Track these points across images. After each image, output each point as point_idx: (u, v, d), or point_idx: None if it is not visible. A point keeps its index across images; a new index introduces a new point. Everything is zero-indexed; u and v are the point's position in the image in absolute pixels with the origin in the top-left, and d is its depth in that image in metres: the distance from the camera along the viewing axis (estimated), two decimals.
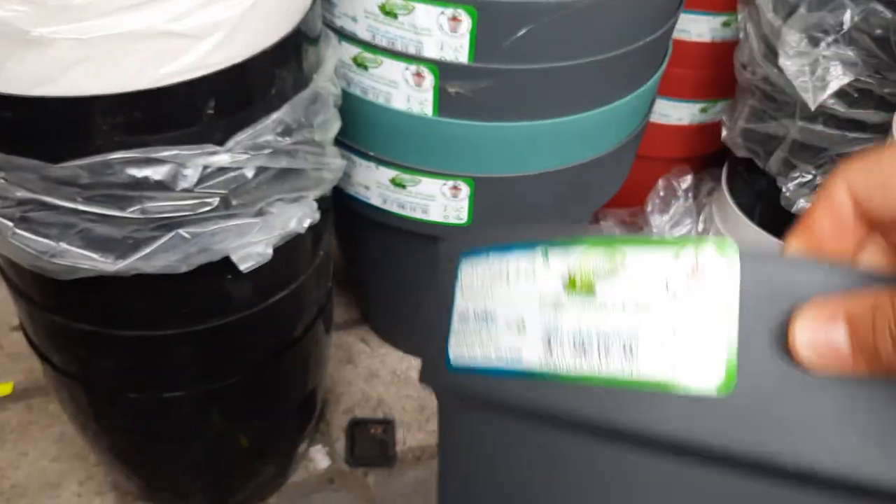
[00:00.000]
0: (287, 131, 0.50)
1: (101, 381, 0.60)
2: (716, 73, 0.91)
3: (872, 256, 0.24)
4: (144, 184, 0.46)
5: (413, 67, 0.60)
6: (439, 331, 0.30)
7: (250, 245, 0.51)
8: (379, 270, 0.83)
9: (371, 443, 0.83)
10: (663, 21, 0.66)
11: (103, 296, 0.53)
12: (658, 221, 0.97)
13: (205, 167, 0.47)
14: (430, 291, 0.32)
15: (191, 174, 0.47)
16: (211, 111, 0.47)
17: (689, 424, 0.22)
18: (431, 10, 0.57)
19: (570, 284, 0.24)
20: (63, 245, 0.48)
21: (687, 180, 0.97)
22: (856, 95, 0.71)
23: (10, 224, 0.47)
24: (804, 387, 0.21)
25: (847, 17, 0.67)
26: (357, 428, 0.84)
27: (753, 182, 0.86)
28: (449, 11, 0.57)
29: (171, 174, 0.46)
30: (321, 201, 0.58)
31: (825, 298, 0.21)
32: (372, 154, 0.68)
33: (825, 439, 0.21)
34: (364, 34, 0.61)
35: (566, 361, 0.24)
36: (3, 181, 0.46)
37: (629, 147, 0.75)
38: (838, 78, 0.68)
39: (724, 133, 0.87)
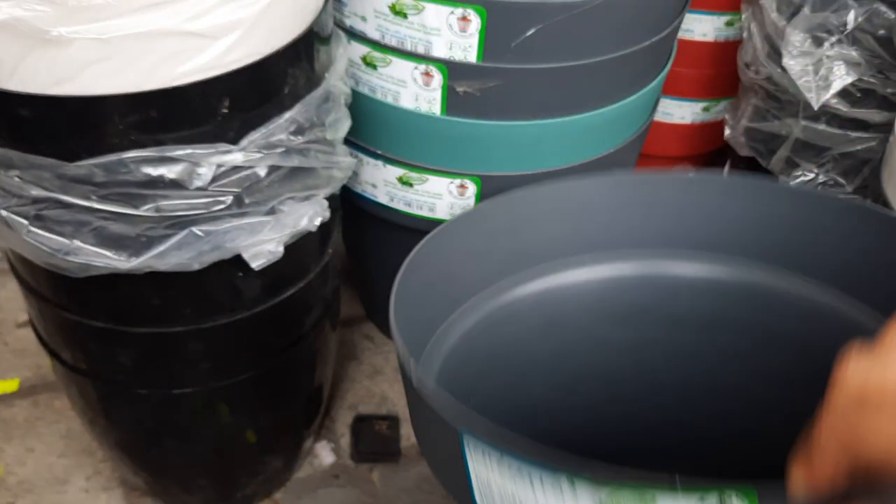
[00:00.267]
0: (299, 130, 0.50)
1: (111, 377, 0.60)
2: (719, 72, 0.91)
3: None
4: (159, 182, 0.46)
5: (422, 67, 0.61)
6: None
7: (262, 243, 0.52)
8: (384, 268, 0.83)
9: (376, 439, 0.83)
10: (669, 21, 0.67)
11: (116, 293, 0.54)
12: None
13: (218, 166, 0.47)
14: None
15: (205, 173, 0.47)
16: (225, 110, 0.47)
17: None
18: (441, 10, 0.57)
19: None
20: (77, 243, 0.48)
21: None
22: (859, 95, 0.72)
23: (25, 222, 0.47)
24: None
25: (850, 18, 0.67)
26: (362, 424, 0.84)
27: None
28: (458, 11, 0.57)
29: (185, 173, 0.47)
30: (330, 199, 0.58)
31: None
32: (380, 152, 0.68)
33: None
34: (373, 34, 0.61)
35: None
36: (18, 179, 0.46)
37: (634, 146, 0.76)
38: (841, 78, 0.69)
39: (727, 132, 0.87)
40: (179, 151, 0.46)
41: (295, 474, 0.80)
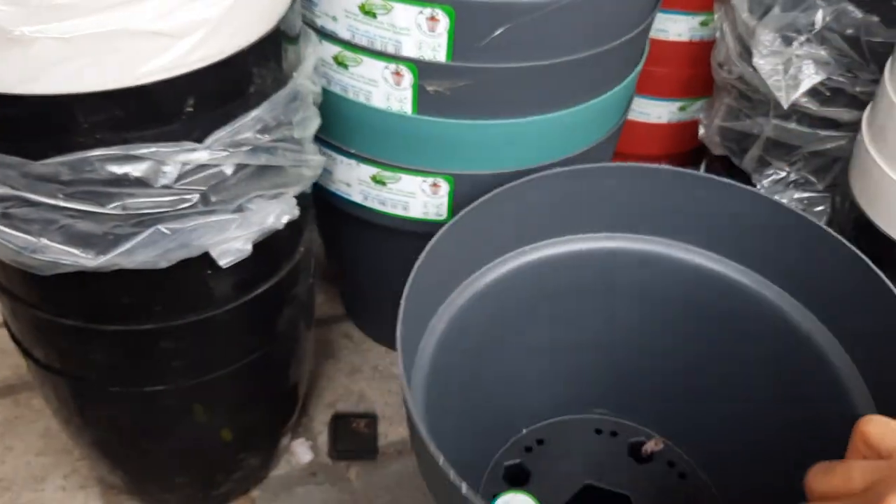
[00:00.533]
0: (266, 129, 0.51)
1: (83, 376, 0.61)
2: (694, 72, 0.92)
3: None
4: (124, 180, 0.47)
5: (392, 66, 0.61)
6: None
7: (229, 241, 0.52)
8: (361, 266, 0.84)
9: (354, 437, 0.83)
10: (640, 20, 0.68)
11: (85, 291, 0.54)
12: None
13: (184, 164, 0.48)
14: None
15: (170, 171, 0.47)
16: (191, 109, 0.47)
17: None
18: (409, 10, 0.58)
19: None
20: (44, 241, 0.48)
21: None
22: (828, 94, 0.73)
23: None
24: None
25: (819, 17, 0.68)
26: (340, 422, 0.84)
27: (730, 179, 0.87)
28: (427, 11, 0.58)
29: (150, 171, 0.47)
30: (301, 198, 0.59)
31: None
32: (353, 151, 0.69)
33: None
34: (344, 33, 0.61)
35: None
36: None
37: (607, 145, 0.76)
38: (811, 77, 0.70)
39: (701, 131, 0.88)
40: (144, 150, 0.46)
41: (272, 472, 0.80)
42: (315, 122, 0.57)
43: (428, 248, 0.56)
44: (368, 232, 0.76)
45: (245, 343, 0.63)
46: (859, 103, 0.72)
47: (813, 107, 0.73)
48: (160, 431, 0.66)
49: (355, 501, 0.79)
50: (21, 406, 0.84)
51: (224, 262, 0.53)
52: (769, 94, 0.74)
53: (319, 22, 0.62)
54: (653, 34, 0.92)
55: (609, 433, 0.76)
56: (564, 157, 0.71)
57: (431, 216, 0.71)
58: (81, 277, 0.51)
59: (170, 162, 0.47)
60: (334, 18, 0.61)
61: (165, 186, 0.48)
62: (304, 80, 0.54)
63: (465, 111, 0.64)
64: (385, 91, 0.63)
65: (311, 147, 0.57)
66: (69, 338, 0.58)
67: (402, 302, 0.52)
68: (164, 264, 0.51)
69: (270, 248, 0.57)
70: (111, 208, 0.48)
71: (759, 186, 0.81)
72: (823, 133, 0.76)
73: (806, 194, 0.79)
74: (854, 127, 0.74)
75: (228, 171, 0.50)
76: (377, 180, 0.69)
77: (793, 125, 0.76)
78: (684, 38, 0.90)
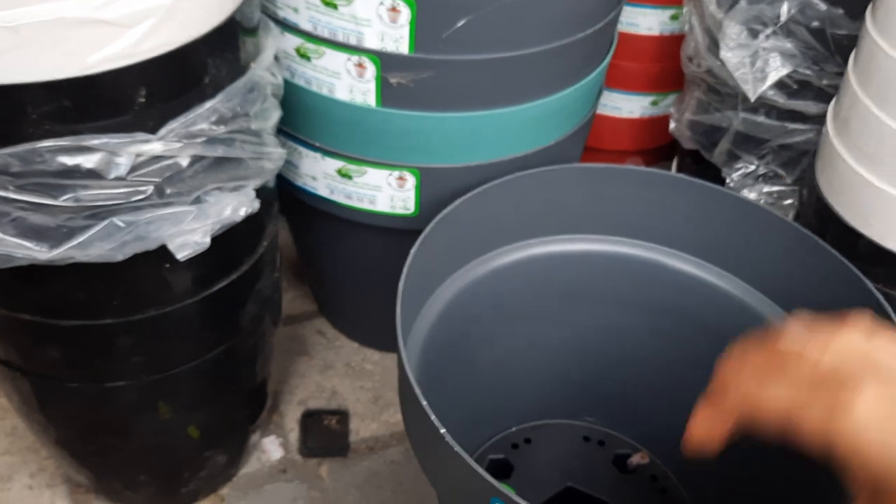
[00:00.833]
0: (222, 120, 0.50)
1: (42, 372, 0.60)
2: (665, 66, 0.92)
3: None
4: (76, 172, 0.46)
5: (355, 58, 0.61)
6: None
7: (186, 233, 0.51)
8: (330, 262, 0.83)
9: (325, 433, 0.83)
10: (605, 13, 0.67)
11: (40, 285, 0.53)
12: None
13: (137, 155, 0.47)
14: None
15: (123, 162, 0.47)
16: (143, 99, 0.47)
17: None
18: (370, 1, 0.57)
19: None
20: None
21: None
22: (795, 87, 0.73)
23: None
24: None
25: (784, 10, 0.68)
26: (311, 419, 0.84)
27: (700, 173, 0.87)
28: (388, 2, 0.57)
29: (102, 162, 0.46)
30: (263, 191, 0.58)
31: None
32: (318, 145, 0.68)
33: None
34: (306, 25, 0.61)
35: None
36: None
37: (576, 138, 0.76)
38: (777, 69, 0.70)
39: (671, 125, 0.88)
40: (95, 141, 0.46)
41: (241, 470, 0.80)
42: (275, 114, 0.56)
43: (421, 237, 0.56)
44: (336, 227, 0.75)
45: (208, 338, 0.63)
46: (826, 96, 0.72)
47: (780, 100, 0.74)
48: (122, 428, 0.65)
49: (326, 498, 0.78)
50: None
51: (182, 255, 0.52)
52: (737, 88, 0.74)
53: (281, 13, 0.62)
54: (623, 28, 0.92)
55: (597, 441, 0.76)
56: (533, 150, 0.71)
57: (398, 210, 0.71)
58: (36, 271, 0.50)
59: (122, 153, 0.47)
60: (295, 10, 0.61)
61: (119, 178, 0.47)
62: (263, 72, 0.54)
63: (429, 104, 0.63)
64: (348, 83, 0.63)
65: (271, 139, 0.56)
66: (26, 334, 0.57)
67: (400, 284, 0.52)
68: (120, 257, 0.50)
69: (230, 241, 0.57)
70: (63, 200, 0.47)
71: (728, 180, 0.81)
72: (791, 126, 0.76)
73: (775, 188, 0.79)
74: (821, 120, 0.74)
75: (184, 162, 0.49)
76: (343, 174, 0.69)
77: (761, 118, 0.76)
78: (655, 32, 0.90)
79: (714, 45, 0.76)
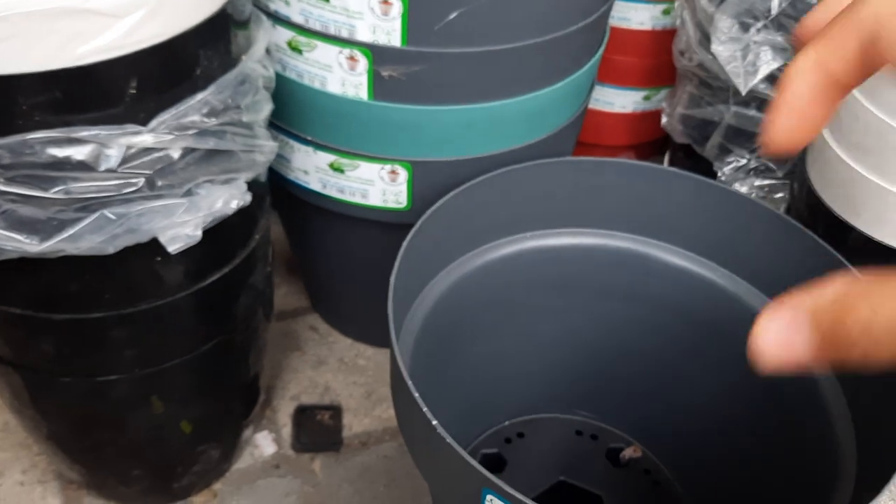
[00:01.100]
0: (213, 112, 0.50)
1: (34, 366, 0.60)
2: (657, 61, 0.92)
3: None
4: (66, 164, 0.46)
5: (346, 51, 0.61)
6: None
7: (177, 226, 0.51)
8: (323, 256, 0.83)
9: (318, 429, 0.83)
10: (597, 6, 0.67)
11: (31, 279, 0.53)
12: None
13: (128, 147, 0.47)
14: None
15: (114, 154, 0.47)
16: (133, 91, 0.47)
17: None
18: None
19: None
20: None
21: None
22: None
23: None
24: None
25: (775, 3, 0.68)
26: (304, 414, 0.84)
27: (693, 167, 0.87)
28: None
29: (93, 154, 0.46)
30: (255, 184, 0.58)
31: (788, 299, 0.23)
32: (310, 138, 0.68)
33: None
34: (297, 18, 0.61)
35: None
36: None
37: (569, 132, 0.76)
38: (768, 63, 0.70)
39: (663, 119, 0.88)
40: (86, 132, 0.45)
41: (235, 465, 0.80)
42: (266, 107, 0.56)
43: (413, 231, 0.56)
44: (328, 221, 0.75)
45: (200, 332, 0.63)
46: None
47: (771, 93, 0.74)
48: (115, 422, 0.65)
49: (319, 493, 0.78)
50: None
51: (173, 248, 0.52)
52: (729, 82, 0.74)
53: (272, 6, 0.62)
54: (615, 23, 0.92)
55: (589, 435, 0.76)
56: (525, 144, 0.71)
57: (391, 204, 0.71)
58: (27, 264, 0.50)
59: (113, 145, 0.46)
60: (287, 2, 0.60)
61: (109, 170, 0.47)
62: (254, 64, 0.54)
63: (421, 97, 0.63)
64: (340, 76, 0.62)
65: (262, 132, 0.56)
66: (17, 327, 0.57)
67: (392, 277, 0.52)
68: (111, 250, 0.50)
69: (222, 234, 0.56)
70: (54, 192, 0.47)
71: (720, 174, 0.81)
72: None
73: (766, 181, 0.79)
74: None
75: (175, 154, 0.49)
76: (335, 168, 0.69)
77: (752, 112, 0.76)
78: (646, 26, 0.90)
79: (705, 40, 0.76)
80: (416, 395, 0.45)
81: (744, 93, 0.72)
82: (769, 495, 0.62)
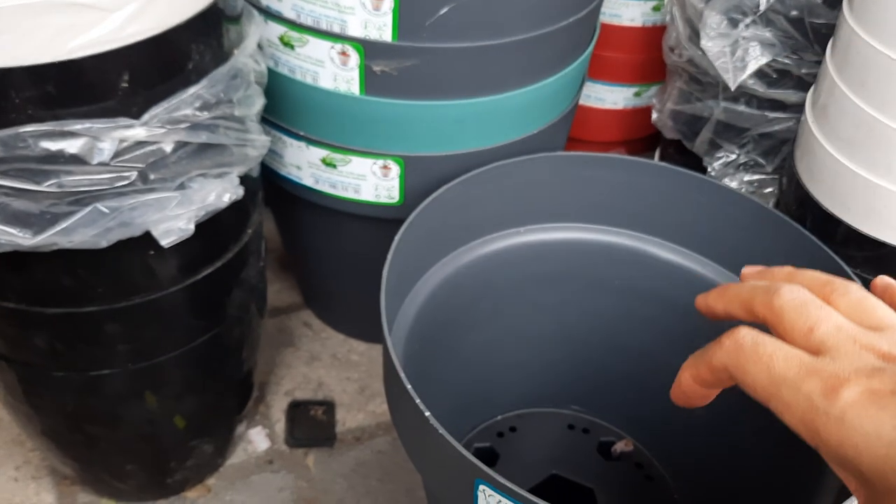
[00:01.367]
0: (206, 106, 0.50)
1: (27, 361, 0.60)
2: (648, 57, 0.93)
3: None
4: (59, 157, 0.46)
5: (338, 46, 0.61)
6: None
7: (170, 220, 0.52)
8: (316, 252, 0.84)
9: (311, 424, 0.83)
10: (588, 1, 0.68)
11: (24, 272, 0.53)
12: None
13: (120, 141, 0.47)
14: None
15: (106, 148, 0.47)
16: (126, 85, 0.47)
17: None
18: None
19: None
20: None
21: None
22: (775, 76, 0.74)
23: None
24: None
25: None
26: (297, 409, 0.84)
27: (683, 163, 0.88)
28: None
29: (86, 148, 0.46)
30: (247, 179, 0.58)
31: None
32: (302, 133, 0.68)
33: None
34: (289, 13, 0.61)
35: None
36: None
37: (560, 127, 0.76)
38: (757, 58, 0.71)
39: (654, 115, 0.89)
40: (79, 126, 0.46)
41: (228, 460, 0.80)
42: (258, 102, 0.56)
43: (405, 226, 0.57)
44: (321, 216, 0.76)
45: (193, 326, 0.63)
46: (805, 85, 0.73)
47: (760, 89, 0.74)
48: (109, 417, 0.65)
49: (312, 488, 0.78)
50: None
51: (166, 241, 0.53)
52: (718, 77, 0.75)
53: (264, 1, 0.62)
54: (606, 20, 0.92)
55: (581, 430, 0.77)
56: (516, 139, 0.71)
57: (383, 199, 0.71)
58: (20, 258, 0.50)
59: (105, 138, 0.47)
60: None
61: (102, 164, 0.47)
62: (246, 59, 0.54)
63: (412, 92, 0.64)
64: (332, 72, 0.63)
65: (255, 127, 0.57)
66: (10, 321, 0.57)
67: (385, 272, 0.53)
68: (104, 244, 0.51)
69: (215, 229, 0.57)
70: (47, 186, 0.47)
71: (710, 169, 0.82)
72: (771, 115, 0.77)
73: (756, 176, 0.80)
74: (800, 109, 0.75)
75: (168, 148, 0.50)
76: (327, 163, 0.69)
77: (741, 107, 0.77)
78: (637, 23, 0.90)
79: (695, 36, 0.77)
80: (409, 387, 0.46)
81: (733, 88, 0.72)
82: (759, 489, 0.63)
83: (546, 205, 0.67)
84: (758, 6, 0.69)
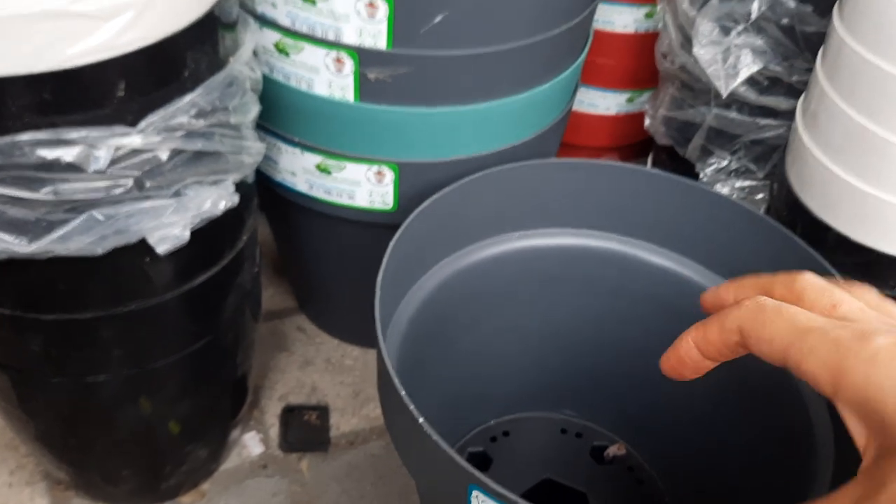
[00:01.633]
0: (202, 114, 0.51)
1: (23, 366, 0.60)
2: (641, 63, 0.93)
3: None
4: (55, 165, 0.46)
5: (333, 53, 0.62)
6: None
7: (166, 227, 0.52)
8: (310, 257, 0.84)
9: (305, 429, 0.83)
10: (580, 9, 0.68)
11: (20, 279, 0.53)
12: None
13: (116, 149, 0.47)
14: None
15: (102, 155, 0.47)
16: (122, 93, 0.47)
17: None
18: None
19: None
20: None
21: None
22: (766, 83, 0.74)
23: None
24: None
25: (755, 7, 0.69)
26: (291, 414, 0.84)
27: (676, 169, 0.88)
28: None
29: (82, 156, 0.47)
30: (242, 186, 0.59)
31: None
32: (297, 140, 0.69)
33: None
34: (284, 20, 0.62)
35: None
36: None
37: (553, 133, 0.77)
38: (748, 66, 0.71)
39: (646, 121, 0.89)
40: (75, 133, 0.46)
41: (222, 465, 0.80)
42: (254, 109, 0.57)
43: (399, 232, 0.57)
44: (315, 222, 0.76)
45: (189, 332, 0.63)
46: (796, 92, 0.74)
47: (751, 96, 0.75)
48: (103, 422, 0.66)
49: (307, 492, 0.79)
50: None
51: (162, 248, 0.53)
52: (710, 84, 0.76)
53: (259, 9, 0.62)
54: (599, 26, 0.93)
55: (574, 434, 0.77)
56: (510, 146, 0.72)
57: (377, 205, 0.71)
58: (16, 265, 0.51)
59: (101, 146, 0.47)
60: (273, 5, 0.61)
61: (98, 171, 0.48)
62: (242, 66, 0.54)
63: (407, 99, 0.64)
64: (327, 79, 0.63)
65: (250, 134, 0.57)
66: (5, 327, 0.57)
67: (379, 277, 0.53)
68: (100, 251, 0.51)
69: (210, 235, 0.57)
70: (43, 193, 0.47)
71: (702, 175, 0.82)
72: (762, 122, 0.77)
73: (747, 182, 0.80)
74: (791, 116, 0.75)
75: (163, 156, 0.50)
76: (322, 169, 0.69)
77: (733, 114, 0.78)
78: (630, 29, 0.91)
79: (687, 43, 0.77)
80: (403, 392, 0.46)
81: (724, 95, 0.73)
82: (750, 493, 0.63)
83: (539, 211, 0.68)
84: (749, 14, 0.70)
